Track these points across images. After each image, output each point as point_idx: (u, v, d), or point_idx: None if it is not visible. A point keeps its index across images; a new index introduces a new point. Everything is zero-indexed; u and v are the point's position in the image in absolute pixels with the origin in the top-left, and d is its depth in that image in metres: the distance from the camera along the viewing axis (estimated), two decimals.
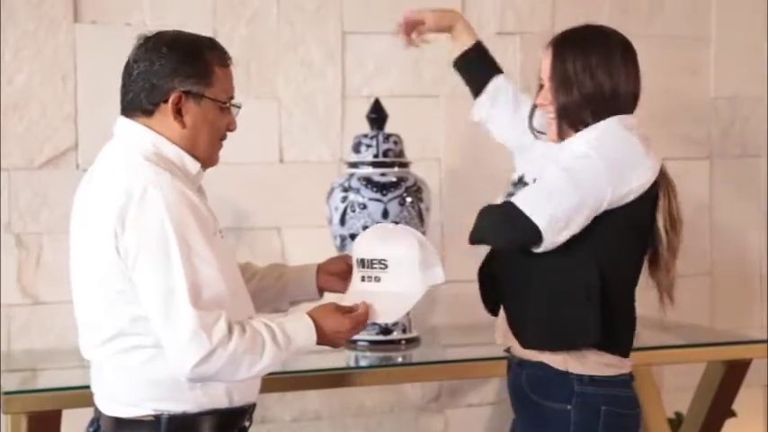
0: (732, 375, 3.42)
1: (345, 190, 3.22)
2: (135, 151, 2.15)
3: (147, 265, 2.06)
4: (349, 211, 3.19)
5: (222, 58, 2.21)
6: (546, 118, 2.49)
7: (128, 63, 2.20)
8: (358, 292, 2.31)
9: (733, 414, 3.76)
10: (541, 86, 2.49)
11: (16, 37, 3.44)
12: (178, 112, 2.16)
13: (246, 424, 2.27)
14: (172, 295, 2.04)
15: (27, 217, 3.46)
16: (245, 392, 2.23)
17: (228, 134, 2.26)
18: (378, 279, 2.29)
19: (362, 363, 3.21)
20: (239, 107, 2.25)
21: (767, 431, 4.31)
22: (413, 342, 3.29)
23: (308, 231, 3.62)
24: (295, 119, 3.74)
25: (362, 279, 2.32)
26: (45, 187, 3.47)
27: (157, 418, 2.15)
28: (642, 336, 3.45)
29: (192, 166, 2.20)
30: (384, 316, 2.31)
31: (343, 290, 2.39)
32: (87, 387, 2.67)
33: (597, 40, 2.46)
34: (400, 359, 3.22)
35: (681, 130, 4.18)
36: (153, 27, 3.51)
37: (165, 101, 2.16)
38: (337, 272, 2.43)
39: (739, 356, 3.40)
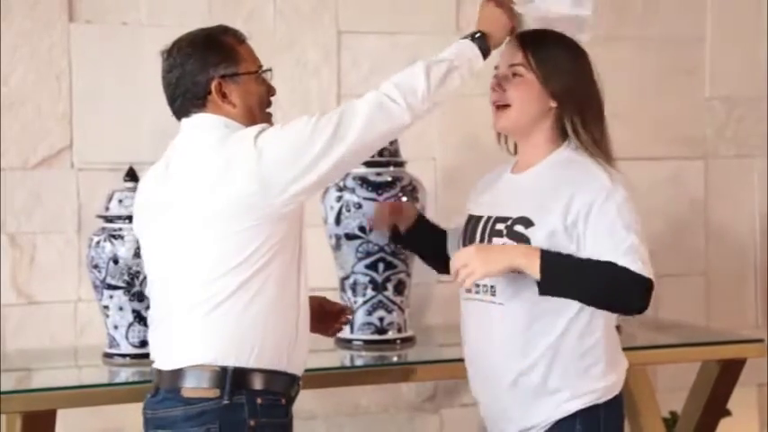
0: (727, 375, 3.42)
1: (340, 189, 3.21)
2: (212, 132, 2.35)
3: (282, 140, 2.39)
4: (344, 210, 3.19)
5: (237, 37, 2.44)
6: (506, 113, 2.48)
7: (163, 77, 2.42)
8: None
9: (728, 413, 3.76)
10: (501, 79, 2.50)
11: (11, 36, 3.43)
12: (224, 96, 2.38)
13: (293, 394, 2.42)
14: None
15: (21, 217, 3.45)
16: (297, 361, 2.39)
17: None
18: None
19: (357, 362, 3.21)
20: (270, 70, 2.47)
21: (762, 430, 4.32)
22: (408, 341, 3.28)
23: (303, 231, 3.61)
24: (290, 118, 3.72)
25: None
26: (39, 187, 3.46)
27: (223, 369, 2.28)
28: (637, 335, 3.46)
29: None
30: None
31: None
32: (82, 387, 2.66)
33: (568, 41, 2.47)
34: (395, 358, 3.21)
35: (676, 131, 4.18)
36: (148, 27, 3.55)
37: (209, 92, 2.38)
38: None
39: (734, 356, 3.40)
